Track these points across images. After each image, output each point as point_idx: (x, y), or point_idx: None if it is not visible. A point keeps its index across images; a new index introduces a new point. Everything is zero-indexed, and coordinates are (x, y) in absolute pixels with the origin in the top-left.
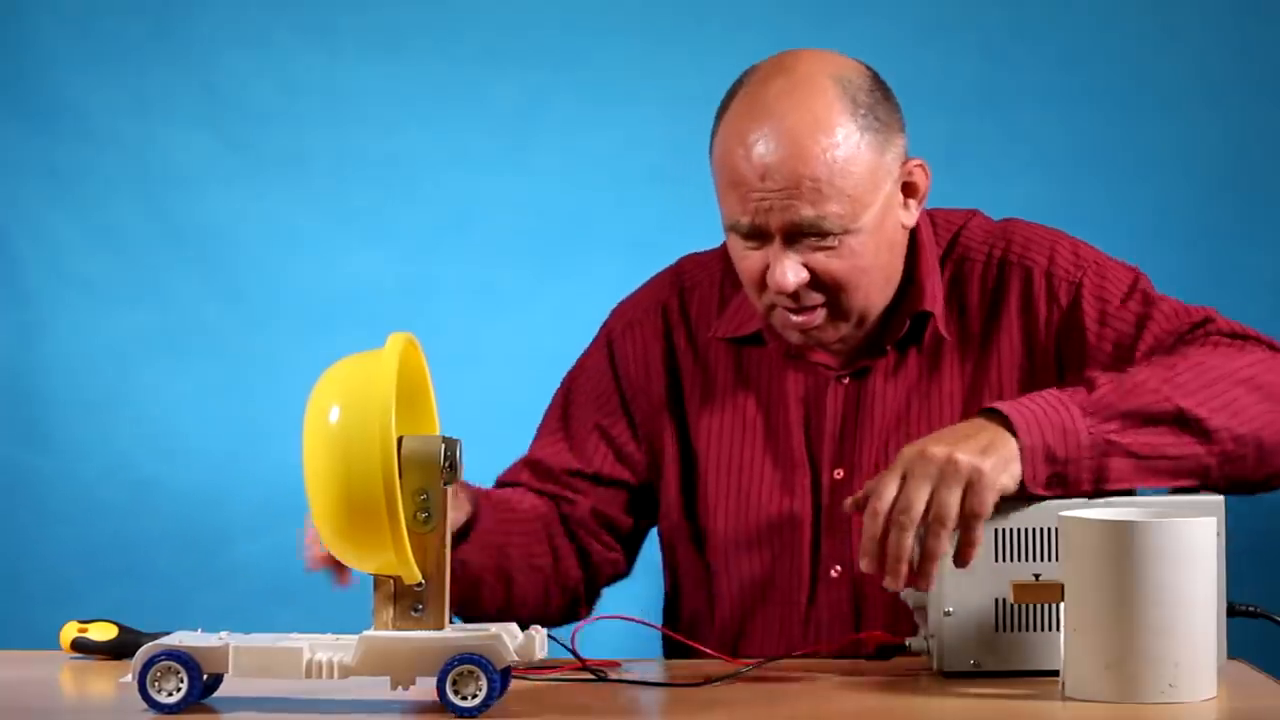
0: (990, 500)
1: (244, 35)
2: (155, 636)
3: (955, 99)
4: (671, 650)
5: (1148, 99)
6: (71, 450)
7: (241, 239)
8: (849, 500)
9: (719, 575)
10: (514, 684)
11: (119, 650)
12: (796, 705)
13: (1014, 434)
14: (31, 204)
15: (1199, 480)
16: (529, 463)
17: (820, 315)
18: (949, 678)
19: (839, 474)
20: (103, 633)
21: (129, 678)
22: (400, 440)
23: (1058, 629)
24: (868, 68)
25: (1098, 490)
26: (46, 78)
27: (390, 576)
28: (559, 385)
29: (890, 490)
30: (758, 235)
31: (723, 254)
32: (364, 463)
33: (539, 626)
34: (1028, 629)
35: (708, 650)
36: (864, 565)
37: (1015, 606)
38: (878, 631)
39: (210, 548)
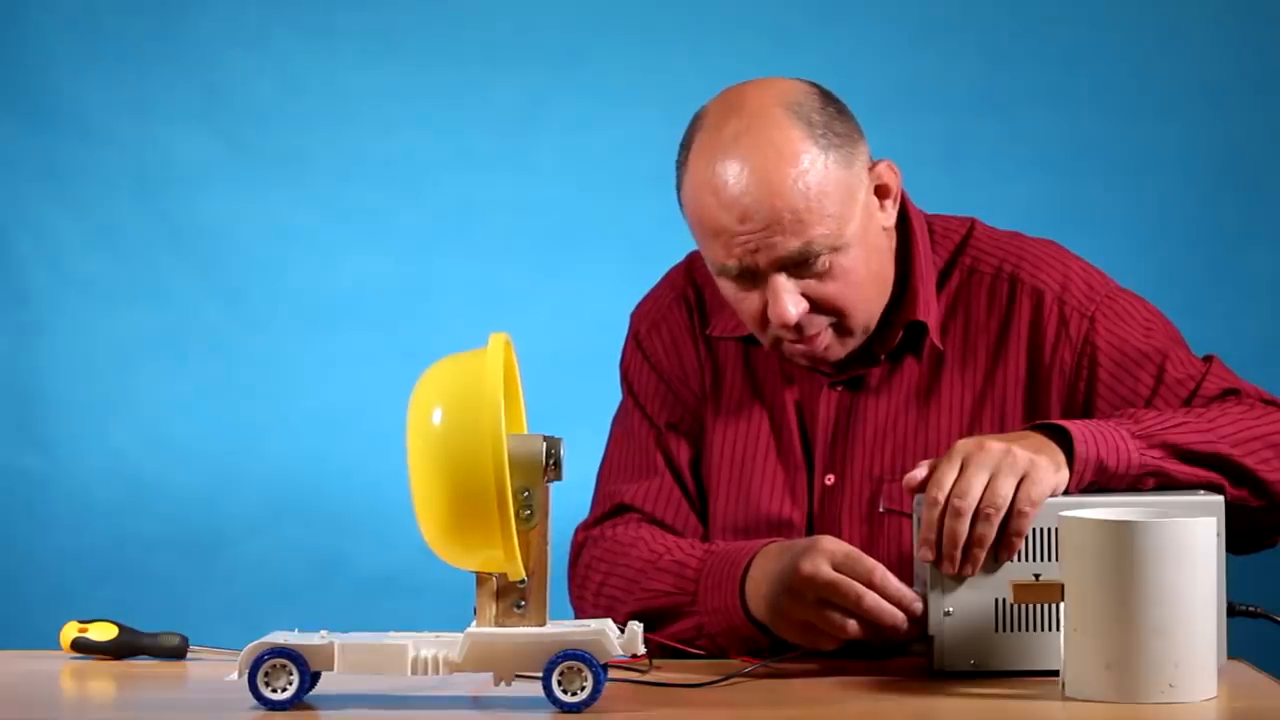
0: (1044, 494)
1: (244, 35)
2: (155, 637)
3: (955, 99)
4: (663, 651)
5: (1148, 99)
6: (70, 450)
7: (241, 239)
8: (907, 477)
9: None
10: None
11: (119, 650)
12: (797, 705)
13: (1068, 445)
14: (31, 204)
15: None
16: (638, 509)
17: (827, 337)
18: (949, 678)
19: (830, 480)
20: (103, 633)
21: (234, 675)
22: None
23: (1058, 629)
24: (814, 85)
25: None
26: (46, 77)
27: (493, 574)
28: (618, 415)
29: (949, 477)
30: (748, 275)
31: None
32: (474, 462)
33: (636, 621)
34: (1028, 629)
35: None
36: (922, 555)
37: (1015, 606)
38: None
39: (208, 548)
